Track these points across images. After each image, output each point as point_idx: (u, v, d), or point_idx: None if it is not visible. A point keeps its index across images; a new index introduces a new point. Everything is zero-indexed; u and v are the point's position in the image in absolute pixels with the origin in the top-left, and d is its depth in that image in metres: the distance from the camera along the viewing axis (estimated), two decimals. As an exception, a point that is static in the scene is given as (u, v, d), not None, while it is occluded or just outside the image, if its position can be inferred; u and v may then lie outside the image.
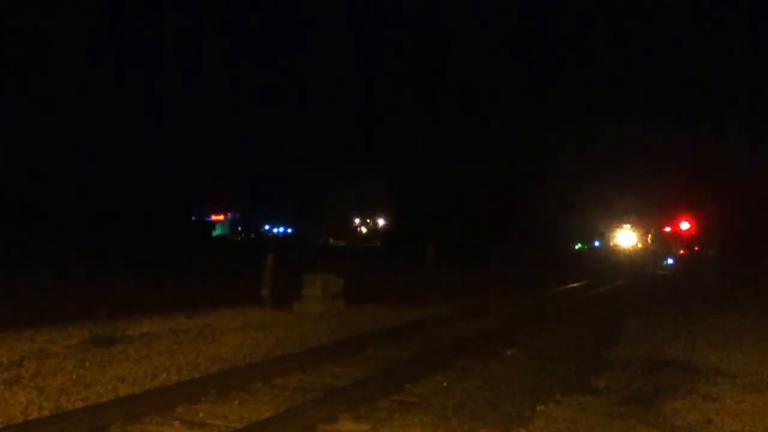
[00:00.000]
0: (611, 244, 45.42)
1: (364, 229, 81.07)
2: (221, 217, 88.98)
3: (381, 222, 74.82)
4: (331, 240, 69.90)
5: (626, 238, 45.11)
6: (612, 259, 43.34)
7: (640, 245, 44.28)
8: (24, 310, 10.67)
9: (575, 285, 25.93)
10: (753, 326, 12.28)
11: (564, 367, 8.13)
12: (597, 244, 53.68)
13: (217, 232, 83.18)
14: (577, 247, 54.51)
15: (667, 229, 46.02)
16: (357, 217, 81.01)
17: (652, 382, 7.26)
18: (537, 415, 5.89)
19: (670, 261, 45.69)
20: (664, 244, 45.69)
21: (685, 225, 43.41)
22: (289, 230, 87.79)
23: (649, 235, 44.28)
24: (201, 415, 5.74)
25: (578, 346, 9.74)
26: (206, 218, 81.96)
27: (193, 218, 70.07)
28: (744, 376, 7.72)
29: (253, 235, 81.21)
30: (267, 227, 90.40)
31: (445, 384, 7.21)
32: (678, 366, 8.30)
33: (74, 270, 18.31)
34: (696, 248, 46.09)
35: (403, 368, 7.80)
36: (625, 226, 44.60)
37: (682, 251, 46.49)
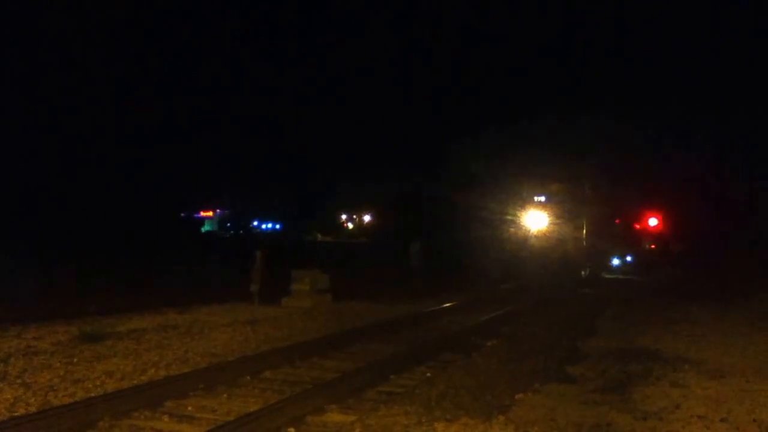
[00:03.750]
0: (513, 231, 24.30)
1: (350, 225, 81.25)
2: (210, 214, 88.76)
3: (367, 218, 75.22)
4: (319, 236, 69.97)
5: (537, 220, 24.25)
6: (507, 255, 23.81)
7: (563, 230, 24.22)
8: (11, 308, 10.64)
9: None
10: (718, 317, 12.57)
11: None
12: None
13: (205, 228, 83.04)
14: None
15: (633, 225, 34.85)
16: (343, 213, 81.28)
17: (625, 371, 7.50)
18: (516, 403, 6.06)
19: (627, 259, 32.91)
20: (616, 238, 30.59)
21: (653, 221, 35.43)
22: (277, 226, 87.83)
23: (583, 223, 24.71)
24: (190, 409, 5.82)
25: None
26: (195, 215, 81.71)
27: (182, 215, 69.83)
28: (709, 363, 7.97)
29: (242, 232, 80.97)
30: (255, 223, 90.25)
31: (429, 375, 7.39)
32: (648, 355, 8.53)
33: (63, 267, 18.24)
34: (665, 243, 38.84)
35: (388, 361, 7.94)
36: (537, 199, 24.65)
37: (652, 246, 41.46)
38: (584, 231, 24.34)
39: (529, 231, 23.46)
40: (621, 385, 6.80)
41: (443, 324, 11.78)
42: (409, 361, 7.94)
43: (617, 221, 32.04)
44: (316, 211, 74.50)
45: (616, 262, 31.53)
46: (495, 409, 5.78)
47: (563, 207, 23.59)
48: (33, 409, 5.51)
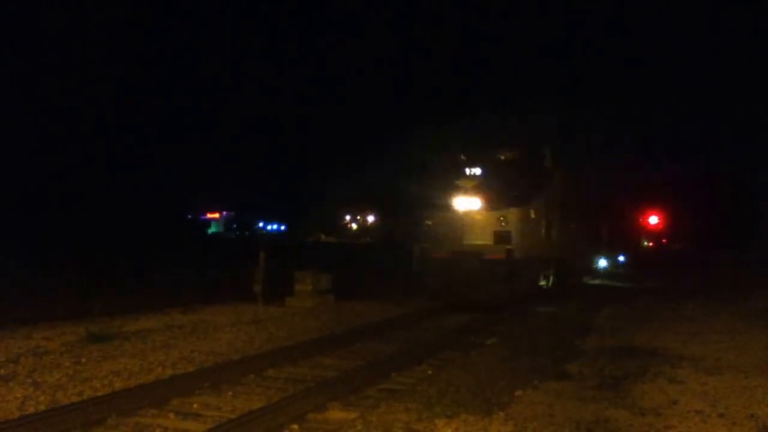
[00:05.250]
0: (434, 223, 15.53)
1: (354, 226, 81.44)
2: (216, 216, 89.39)
3: (371, 219, 75.48)
4: (323, 236, 70.21)
5: (467, 205, 14.70)
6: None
7: (507, 219, 14.59)
8: (19, 308, 10.80)
9: None
10: (715, 314, 12.59)
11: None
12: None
13: (212, 230, 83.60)
14: None
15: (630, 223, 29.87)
16: (347, 214, 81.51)
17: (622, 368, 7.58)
18: (515, 399, 6.16)
19: (620, 259, 26.87)
20: (600, 233, 23.25)
21: (654, 219, 33.48)
22: (282, 227, 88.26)
23: (542, 209, 16.07)
24: (195, 406, 5.95)
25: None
26: (201, 217, 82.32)
27: (189, 217, 70.29)
28: (706, 360, 8.04)
29: (247, 233, 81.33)
30: (261, 224, 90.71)
31: (429, 372, 7.49)
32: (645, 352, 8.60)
33: (64, 268, 18.41)
34: (664, 241, 38.41)
35: (389, 359, 8.05)
36: (472, 173, 15.50)
37: (650, 244, 37.11)
38: (544, 221, 16.30)
39: (461, 221, 14.94)
40: (618, 382, 6.88)
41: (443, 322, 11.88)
42: (409, 359, 8.05)
43: (602, 209, 23.66)
44: (319, 212, 74.89)
45: (603, 263, 24.35)
46: (494, 406, 5.88)
47: (507, 185, 15.13)
48: (42, 408, 5.64)
